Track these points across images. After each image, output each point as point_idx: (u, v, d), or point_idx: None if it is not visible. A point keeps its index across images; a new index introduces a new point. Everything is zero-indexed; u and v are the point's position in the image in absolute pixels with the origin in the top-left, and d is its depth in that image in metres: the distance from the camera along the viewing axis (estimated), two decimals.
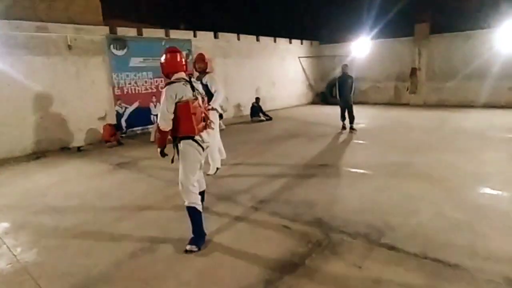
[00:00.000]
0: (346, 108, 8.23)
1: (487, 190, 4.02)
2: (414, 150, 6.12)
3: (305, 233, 3.13)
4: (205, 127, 3.01)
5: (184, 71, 2.99)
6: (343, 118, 8.36)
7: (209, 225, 3.25)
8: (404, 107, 12.68)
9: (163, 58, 2.99)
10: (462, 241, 2.86)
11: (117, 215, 3.79)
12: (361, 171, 5.03)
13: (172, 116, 2.80)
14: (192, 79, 3.02)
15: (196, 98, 2.91)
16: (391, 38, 13.60)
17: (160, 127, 2.85)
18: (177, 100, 2.78)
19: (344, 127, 8.37)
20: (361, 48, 13.98)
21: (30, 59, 7.21)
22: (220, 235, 3.17)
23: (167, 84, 2.88)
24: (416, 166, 5.12)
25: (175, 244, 3.04)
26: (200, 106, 2.96)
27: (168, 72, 2.98)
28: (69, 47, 7.82)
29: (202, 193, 3.36)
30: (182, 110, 2.80)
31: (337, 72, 14.84)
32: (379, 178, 4.65)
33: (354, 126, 8.21)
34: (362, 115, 11.16)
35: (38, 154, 7.11)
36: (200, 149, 2.94)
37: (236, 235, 3.20)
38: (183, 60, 3.04)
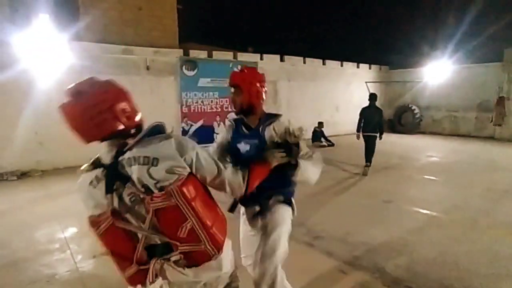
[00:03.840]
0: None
1: None
2: (499, 194, 5.25)
3: (363, 283, 2.78)
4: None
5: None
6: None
7: None
8: (487, 140, 11.23)
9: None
10: None
11: None
12: (433, 213, 4.44)
13: None
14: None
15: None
16: (473, 64, 12.33)
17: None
18: None
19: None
20: (436, 74, 12.90)
21: (114, 78, 8.01)
22: None
23: None
24: (502, 214, 4.35)
25: None
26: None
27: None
28: (147, 67, 8.57)
29: None
30: None
31: (407, 99, 13.97)
32: (454, 225, 4.03)
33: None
34: (435, 147, 10.15)
35: None
36: None
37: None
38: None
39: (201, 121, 9.39)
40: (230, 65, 9.81)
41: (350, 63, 13.70)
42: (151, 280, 1.20)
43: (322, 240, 3.62)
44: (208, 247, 1.22)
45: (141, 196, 1.19)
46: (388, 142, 11.40)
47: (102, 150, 1.29)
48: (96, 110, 1.18)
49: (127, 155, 1.22)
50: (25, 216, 4.45)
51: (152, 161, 1.19)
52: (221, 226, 1.31)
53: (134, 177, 1.19)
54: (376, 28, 17.67)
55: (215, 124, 9.62)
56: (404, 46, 15.72)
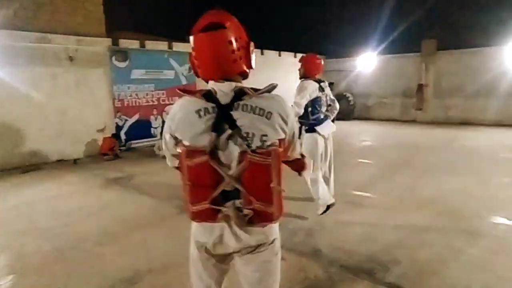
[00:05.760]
0: None
1: (502, 220, 3.72)
2: (421, 172, 5.84)
3: (302, 267, 2.86)
4: None
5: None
6: None
7: None
8: (410, 124, 12.41)
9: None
10: (477, 284, 2.56)
11: (102, 239, 3.54)
12: (366, 194, 4.76)
13: None
14: None
15: None
16: (397, 54, 13.45)
17: None
18: None
19: None
20: (367, 63, 13.84)
21: (30, 70, 7.13)
22: None
23: None
24: (423, 190, 4.83)
25: (158, 274, 2.79)
26: None
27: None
28: (70, 58, 7.74)
29: None
30: None
31: (342, 87, 14.77)
32: (384, 204, 4.37)
33: None
34: (368, 132, 10.93)
35: (33, 167, 6.94)
36: None
37: None
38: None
39: (137, 115, 8.83)
40: (166, 56, 9.36)
41: (288, 53, 14.00)
42: (219, 218, 1.26)
43: None
44: (275, 211, 1.27)
45: (242, 145, 1.21)
46: None
47: (213, 86, 1.27)
48: (237, 45, 1.21)
49: (245, 102, 1.23)
50: None
51: (266, 114, 1.24)
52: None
53: (242, 124, 1.21)
54: (312, 18, 18.26)
55: (152, 118, 9.14)
56: (340, 36, 16.51)
